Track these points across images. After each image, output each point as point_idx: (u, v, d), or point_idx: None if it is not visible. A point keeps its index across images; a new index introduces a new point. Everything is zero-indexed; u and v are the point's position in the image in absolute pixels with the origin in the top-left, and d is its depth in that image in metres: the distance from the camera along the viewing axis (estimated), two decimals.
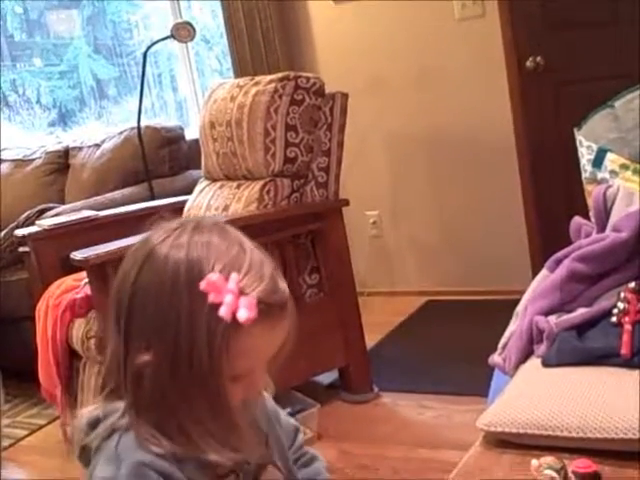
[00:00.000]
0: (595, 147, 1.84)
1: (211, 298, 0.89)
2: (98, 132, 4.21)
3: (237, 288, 0.90)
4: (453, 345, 3.13)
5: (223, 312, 0.89)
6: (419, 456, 2.38)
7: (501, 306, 3.24)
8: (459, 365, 2.89)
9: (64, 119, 5.07)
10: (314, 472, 1.17)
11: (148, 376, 0.93)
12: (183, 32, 3.37)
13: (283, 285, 0.97)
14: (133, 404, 0.95)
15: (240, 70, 3.88)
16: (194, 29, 3.41)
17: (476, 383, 2.54)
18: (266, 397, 1.12)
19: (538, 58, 3.29)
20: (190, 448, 0.92)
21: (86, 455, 0.99)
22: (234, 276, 0.91)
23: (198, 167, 3.27)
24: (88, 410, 1.00)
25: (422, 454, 2.38)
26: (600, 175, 1.83)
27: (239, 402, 0.97)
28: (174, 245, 0.94)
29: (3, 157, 4.32)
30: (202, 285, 0.90)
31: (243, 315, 0.89)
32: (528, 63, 3.31)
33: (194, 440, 0.92)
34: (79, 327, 2.53)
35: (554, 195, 3.37)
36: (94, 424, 0.98)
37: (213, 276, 0.90)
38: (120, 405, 0.97)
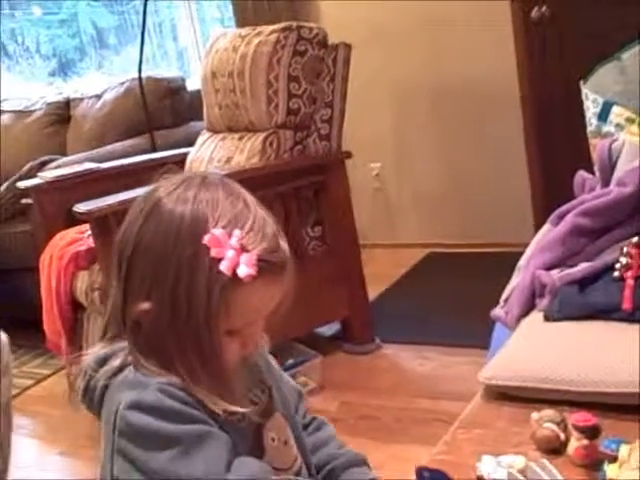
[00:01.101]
0: (601, 100, 1.83)
1: (213, 253, 0.91)
2: (99, 82, 4.17)
3: (239, 244, 0.91)
4: (454, 297, 3.14)
5: (224, 267, 0.90)
6: (419, 406, 2.41)
7: (503, 259, 3.24)
8: (460, 317, 2.90)
9: (64, 69, 5.02)
10: (325, 436, 1.19)
11: (146, 324, 0.95)
12: None
13: (284, 244, 0.97)
14: (135, 346, 0.97)
15: (242, 20, 3.83)
16: None
17: (477, 335, 2.56)
18: (268, 354, 1.14)
19: (543, 8, 3.24)
20: (188, 390, 0.94)
21: (89, 394, 1.00)
22: (237, 232, 0.92)
23: (200, 118, 3.25)
24: (94, 350, 1.01)
25: (422, 404, 2.41)
26: (605, 129, 1.82)
27: (236, 357, 0.99)
28: (180, 199, 0.95)
29: (3, 108, 4.29)
30: (205, 239, 0.91)
31: (243, 271, 0.90)
32: (533, 13, 3.26)
33: (188, 383, 0.94)
34: (83, 279, 2.54)
35: (558, 148, 3.35)
36: (102, 362, 0.99)
37: (216, 231, 0.91)
38: (126, 344, 0.99)
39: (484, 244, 3.61)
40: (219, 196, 0.95)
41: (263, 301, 0.96)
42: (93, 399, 1.00)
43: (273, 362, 1.15)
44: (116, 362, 0.98)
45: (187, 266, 0.92)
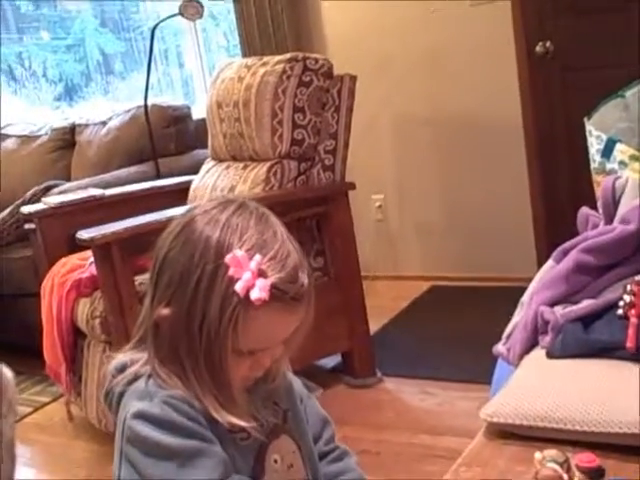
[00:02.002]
0: (605, 137, 1.83)
1: (231, 272, 0.96)
2: (104, 109, 4.20)
3: (257, 269, 0.96)
4: (456, 331, 3.13)
5: (238, 287, 0.95)
6: (421, 442, 2.38)
7: (505, 293, 3.25)
8: (462, 352, 2.89)
9: (70, 93, 5.05)
10: (344, 467, 1.19)
11: (164, 328, 1.02)
12: (191, 10, 3.35)
13: (304, 279, 1.01)
14: (152, 351, 1.04)
15: (248, 49, 3.86)
16: (202, 7, 3.39)
17: (479, 370, 2.54)
18: (294, 379, 1.19)
19: (547, 43, 3.27)
20: (197, 397, 1.00)
21: (109, 399, 1.07)
22: (257, 257, 0.97)
23: (205, 146, 3.26)
24: (118, 356, 1.08)
25: (424, 440, 2.39)
26: (609, 165, 1.82)
27: (244, 376, 1.04)
28: (212, 219, 1.01)
29: (9, 132, 4.32)
30: (227, 258, 0.97)
31: (255, 294, 0.95)
32: (537, 48, 3.28)
33: (197, 392, 1.00)
34: (84, 306, 2.53)
35: (560, 183, 3.36)
36: (121, 369, 1.06)
37: (238, 252, 0.97)
38: (145, 355, 1.06)
39: (486, 278, 3.60)
40: (250, 223, 1.01)
41: (273, 328, 1.01)
42: (112, 404, 1.07)
43: (297, 387, 1.18)
44: (132, 370, 1.04)
45: (206, 280, 0.98)
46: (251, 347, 1.00)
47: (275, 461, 1.07)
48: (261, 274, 0.96)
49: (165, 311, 1.01)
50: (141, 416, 0.98)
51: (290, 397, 1.14)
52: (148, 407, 0.98)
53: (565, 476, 1.14)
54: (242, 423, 0.99)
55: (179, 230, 1.02)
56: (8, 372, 0.71)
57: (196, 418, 0.98)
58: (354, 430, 2.46)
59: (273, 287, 0.96)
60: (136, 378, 1.03)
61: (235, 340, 0.97)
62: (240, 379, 1.03)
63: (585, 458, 1.11)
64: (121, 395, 1.04)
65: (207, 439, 0.98)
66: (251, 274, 0.95)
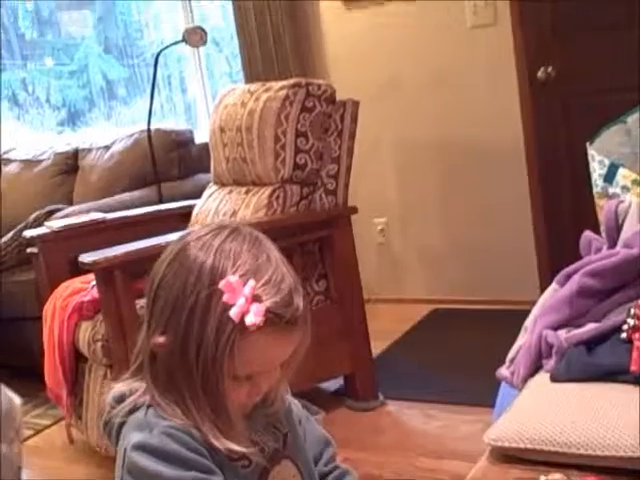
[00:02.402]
0: (607, 162, 1.84)
1: (225, 298, 0.96)
2: (107, 134, 4.22)
3: (251, 294, 0.96)
4: (459, 354, 3.13)
5: (233, 313, 0.95)
6: (423, 465, 2.37)
7: (508, 316, 3.25)
8: (465, 375, 2.89)
9: (73, 119, 5.08)
10: None
11: (161, 357, 1.02)
12: (195, 37, 3.38)
13: (299, 302, 1.01)
14: (150, 380, 1.03)
15: (250, 74, 3.88)
16: (206, 34, 3.42)
17: (482, 394, 2.54)
18: (293, 402, 1.18)
19: (549, 69, 3.29)
20: (196, 426, 0.99)
21: (109, 429, 1.06)
22: (251, 282, 0.96)
23: (207, 171, 3.27)
24: (117, 386, 1.07)
25: (426, 464, 2.38)
26: (612, 190, 1.83)
27: (243, 401, 1.03)
28: (205, 245, 1.01)
29: (12, 157, 4.34)
30: (221, 284, 0.96)
31: (250, 319, 0.95)
32: (539, 74, 3.30)
33: (196, 420, 0.99)
34: (86, 330, 2.53)
35: (563, 207, 3.37)
36: (120, 399, 1.05)
37: (232, 278, 0.96)
38: (144, 384, 1.05)
39: (489, 301, 3.59)
40: (243, 247, 1.01)
41: (269, 353, 1.00)
42: (111, 434, 1.06)
43: (297, 410, 1.17)
44: (131, 400, 1.03)
45: (201, 307, 0.97)
46: (248, 372, 1.00)
47: None
48: (255, 299, 0.96)
49: (161, 339, 1.01)
50: (141, 447, 0.97)
51: (289, 420, 1.14)
52: (148, 438, 0.98)
53: None
54: (241, 449, 0.99)
55: (173, 256, 1.02)
56: (16, 398, 0.70)
57: (196, 448, 0.98)
58: (356, 453, 2.45)
59: (268, 312, 0.96)
60: (135, 408, 1.03)
61: (231, 366, 0.97)
62: (238, 405, 1.02)
63: None
64: (121, 426, 1.03)
65: (206, 470, 0.97)
66: (245, 299, 0.95)
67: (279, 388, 1.10)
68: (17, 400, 0.70)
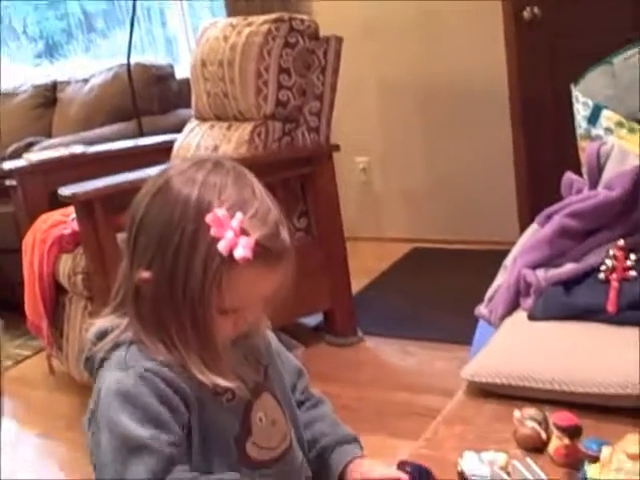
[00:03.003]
0: (591, 103, 1.84)
1: (213, 232, 0.94)
2: (86, 67, 4.15)
3: (239, 227, 0.95)
4: (438, 293, 3.16)
5: (221, 247, 0.94)
6: (400, 399, 2.42)
7: (487, 256, 3.29)
8: (443, 312, 2.92)
9: (51, 51, 4.98)
10: (320, 413, 1.20)
11: (146, 292, 1.00)
12: None
13: (285, 235, 1.00)
14: (134, 316, 1.02)
15: (233, 9, 3.81)
16: None
17: (459, 331, 2.58)
18: (271, 335, 1.18)
19: (535, 9, 3.25)
20: (183, 363, 0.99)
21: (90, 365, 1.05)
22: (239, 215, 0.95)
23: (188, 106, 3.23)
24: (98, 322, 1.06)
25: (403, 398, 2.43)
26: (595, 132, 1.83)
27: (228, 334, 1.03)
28: (189, 179, 0.99)
29: None
30: (207, 218, 0.95)
31: (239, 253, 0.94)
32: (525, 14, 3.26)
33: (182, 355, 0.99)
34: (66, 262, 2.53)
35: (544, 148, 3.37)
36: (101, 336, 1.04)
37: (219, 211, 0.95)
38: (125, 320, 1.04)
39: (469, 241, 3.62)
40: (227, 181, 0.99)
41: (257, 286, 0.99)
42: (92, 370, 1.05)
43: (274, 343, 1.18)
44: (112, 337, 1.03)
45: (187, 241, 0.96)
46: (235, 305, 0.99)
47: (260, 419, 1.07)
48: (243, 232, 0.95)
49: (146, 274, 0.99)
50: (114, 389, 0.97)
51: (269, 353, 1.15)
52: (122, 379, 0.97)
53: (543, 434, 1.16)
54: (227, 383, 0.99)
55: (155, 191, 1.00)
56: None
57: (166, 395, 0.97)
58: (335, 387, 2.48)
59: (256, 245, 0.95)
60: (118, 345, 1.02)
61: (219, 299, 0.97)
62: (224, 338, 1.02)
63: (563, 417, 1.14)
64: (102, 361, 1.03)
65: (166, 425, 0.96)
66: (233, 233, 0.94)
67: (260, 321, 1.11)
68: None
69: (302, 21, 2.77)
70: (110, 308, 1.06)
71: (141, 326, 1.01)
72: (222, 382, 0.99)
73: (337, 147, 2.80)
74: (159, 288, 0.98)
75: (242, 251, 0.94)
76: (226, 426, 1.03)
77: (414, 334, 2.83)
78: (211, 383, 0.98)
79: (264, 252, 0.96)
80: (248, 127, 2.78)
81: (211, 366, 0.99)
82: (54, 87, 4.04)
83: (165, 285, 0.98)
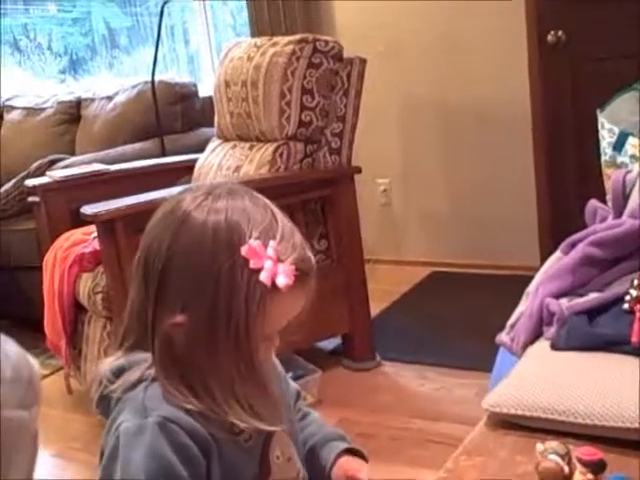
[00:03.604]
0: (617, 130, 1.82)
1: (252, 264, 0.93)
2: (111, 84, 4.18)
3: (275, 255, 0.94)
4: (457, 317, 3.14)
5: (264, 277, 0.93)
6: (418, 427, 2.39)
7: (506, 281, 3.27)
8: (462, 338, 2.90)
9: (75, 67, 5.03)
10: (307, 422, 1.19)
11: (179, 337, 0.96)
12: None
13: (310, 253, 1.00)
14: (159, 362, 0.97)
15: (257, 29, 3.82)
16: None
17: (478, 358, 2.55)
18: (275, 359, 1.14)
19: (560, 32, 3.24)
20: (214, 408, 0.95)
21: (104, 404, 1.01)
22: (272, 243, 0.94)
23: (210, 125, 3.25)
24: (110, 360, 1.02)
25: (421, 425, 2.40)
26: (620, 159, 1.81)
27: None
28: (211, 210, 0.96)
29: (15, 104, 4.31)
30: (243, 251, 0.93)
31: (282, 281, 0.93)
32: (549, 37, 3.25)
33: (218, 401, 0.95)
34: (86, 281, 2.53)
35: (567, 173, 3.34)
36: (118, 373, 1.00)
37: (253, 242, 0.93)
38: (146, 356, 0.99)
39: (488, 265, 3.60)
40: (248, 206, 0.97)
41: (293, 308, 1.00)
42: (106, 409, 1.00)
43: (279, 367, 1.16)
44: (134, 376, 0.98)
45: (226, 278, 0.93)
46: (272, 331, 0.99)
47: (277, 457, 1.04)
48: (279, 259, 0.94)
49: (180, 319, 0.95)
50: (132, 436, 0.93)
51: (279, 381, 1.12)
52: (141, 427, 0.93)
53: (566, 468, 1.14)
54: (268, 427, 0.97)
55: (174, 230, 0.96)
56: (36, 364, 0.70)
57: (186, 447, 0.93)
58: (351, 413, 2.47)
59: (295, 269, 0.95)
60: (138, 383, 0.98)
61: (262, 328, 0.95)
62: (267, 371, 1.01)
63: (587, 451, 1.11)
64: (120, 400, 0.98)
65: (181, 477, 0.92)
66: (272, 262, 0.93)
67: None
68: (35, 365, 0.70)
69: (326, 42, 2.78)
70: (121, 351, 1.02)
71: (165, 372, 0.97)
72: (262, 426, 0.96)
73: (359, 169, 2.80)
74: (196, 331, 0.95)
75: (284, 279, 0.93)
76: (245, 468, 1.00)
77: (432, 360, 2.80)
78: (247, 426, 0.95)
79: (301, 275, 0.96)
80: (270, 148, 2.78)
81: (252, 406, 0.96)
82: (78, 104, 4.08)
83: (204, 327, 0.94)
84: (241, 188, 1.01)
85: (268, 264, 0.93)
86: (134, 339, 1.01)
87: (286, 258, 0.95)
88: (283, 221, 0.99)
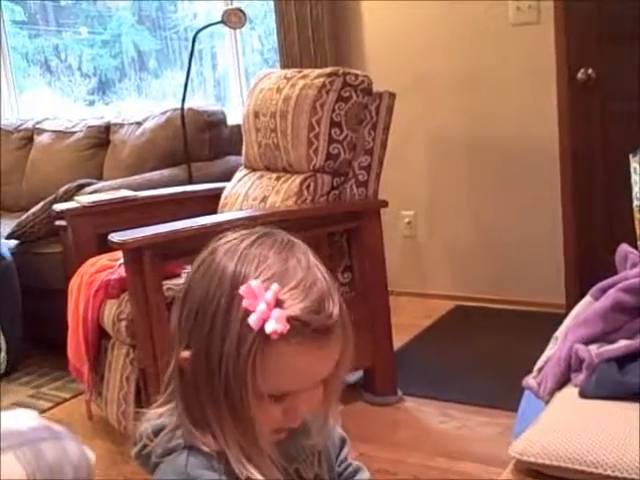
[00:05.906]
0: None
1: (245, 304, 0.88)
2: (139, 108, 4.23)
3: (274, 299, 0.88)
4: (480, 354, 3.11)
5: (252, 320, 0.87)
6: (439, 465, 2.36)
7: (531, 318, 3.25)
8: (485, 375, 2.87)
9: (103, 88, 5.10)
10: None
11: (187, 372, 0.94)
12: (234, 18, 3.36)
13: (331, 309, 0.91)
14: (179, 400, 0.96)
15: (287, 60, 3.85)
16: (245, 15, 3.40)
17: (501, 396, 2.54)
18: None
19: (590, 70, 3.24)
20: (224, 450, 0.92)
21: (143, 459, 0.99)
22: (274, 287, 0.88)
23: (238, 153, 3.27)
24: (154, 413, 1.00)
25: (442, 463, 2.37)
26: None
27: (276, 424, 0.95)
28: (230, 250, 0.94)
29: (45, 127, 4.36)
30: (241, 289, 0.89)
31: (270, 327, 0.86)
32: (579, 75, 3.25)
33: (225, 446, 0.92)
34: (111, 308, 2.54)
35: (594, 213, 3.32)
36: (158, 432, 0.98)
37: (253, 282, 0.89)
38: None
39: (513, 301, 3.57)
40: (270, 252, 0.93)
41: (299, 367, 0.90)
42: (146, 465, 0.99)
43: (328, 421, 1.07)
44: (171, 444, 0.96)
45: (222, 315, 0.90)
46: (277, 389, 0.91)
47: None
48: (278, 305, 0.87)
49: (186, 353, 0.93)
50: None
51: (323, 431, 1.06)
52: None
53: None
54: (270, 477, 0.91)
55: (199, 262, 0.96)
56: (90, 454, 0.70)
57: None
58: (372, 448, 2.44)
59: (292, 318, 0.87)
60: (171, 451, 0.95)
61: (256, 381, 0.88)
62: (271, 429, 0.94)
63: None
64: (161, 459, 0.96)
65: None
66: (266, 305, 0.86)
67: (325, 414, 1.02)
68: (91, 455, 0.70)
69: (356, 76, 2.79)
70: (163, 397, 1.00)
71: (186, 413, 0.95)
72: (258, 476, 0.90)
73: (385, 203, 2.79)
74: (197, 367, 0.92)
75: (273, 324, 0.86)
76: None
77: (455, 396, 2.77)
78: (243, 476, 0.90)
79: (302, 327, 0.88)
80: (297, 179, 2.79)
81: (251, 457, 0.91)
82: (107, 129, 4.12)
83: (202, 364, 0.91)
84: (280, 234, 0.97)
85: (261, 307, 0.87)
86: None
87: (289, 306, 0.88)
88: (310, 271, 0.93)
